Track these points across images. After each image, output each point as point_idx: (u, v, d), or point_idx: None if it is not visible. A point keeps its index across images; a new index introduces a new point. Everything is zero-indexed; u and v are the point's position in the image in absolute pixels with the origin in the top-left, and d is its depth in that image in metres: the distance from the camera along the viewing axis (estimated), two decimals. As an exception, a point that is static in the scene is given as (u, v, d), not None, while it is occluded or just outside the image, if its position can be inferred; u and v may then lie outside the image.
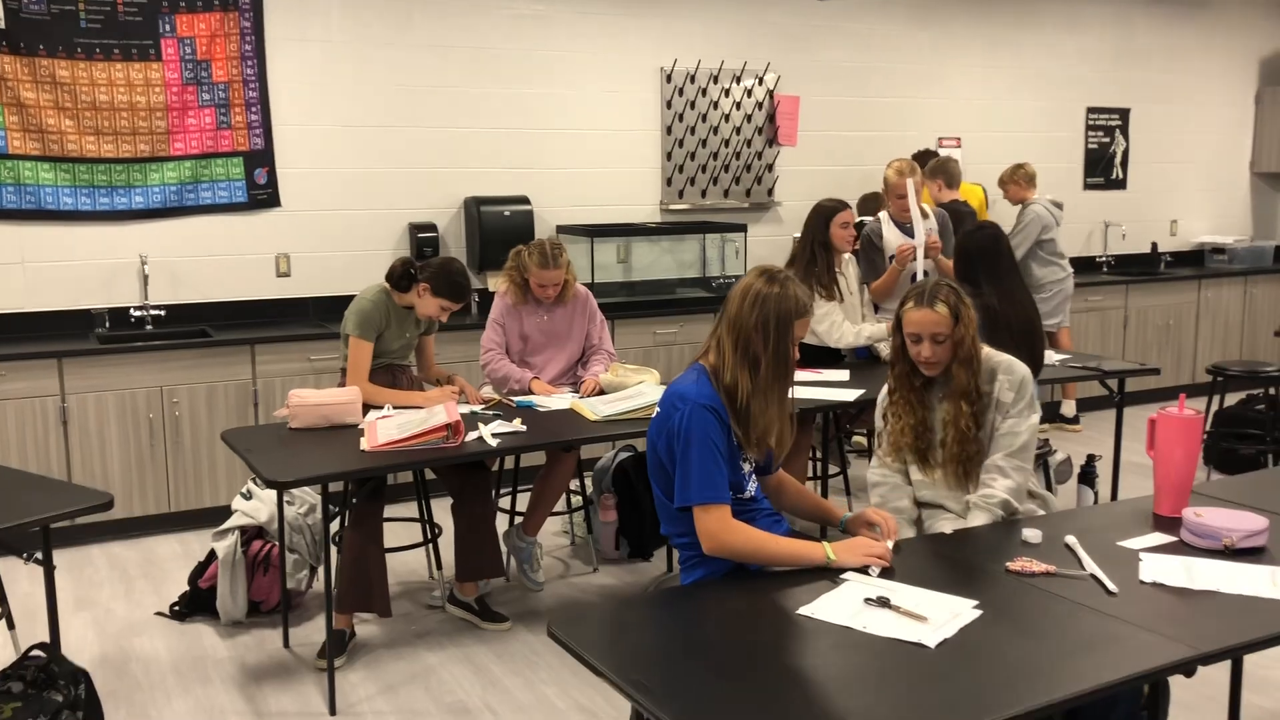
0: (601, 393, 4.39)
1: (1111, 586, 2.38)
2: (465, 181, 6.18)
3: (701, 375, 2.71)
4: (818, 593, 2.37)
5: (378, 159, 5.99)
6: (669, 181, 6.73)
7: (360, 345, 4.16)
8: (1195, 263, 8.61)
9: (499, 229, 6.06)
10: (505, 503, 4.89)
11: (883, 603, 2.29)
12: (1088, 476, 5.28)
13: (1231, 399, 6.34)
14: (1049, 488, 5.12)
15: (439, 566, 4.61)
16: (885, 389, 3.21)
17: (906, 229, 5.37)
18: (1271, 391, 6.03)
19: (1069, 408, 7.23)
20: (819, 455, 5.35)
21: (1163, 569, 2.49)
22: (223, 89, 5.54)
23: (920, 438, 3.11)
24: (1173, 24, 8.32)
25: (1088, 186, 8.19)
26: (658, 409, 2.73)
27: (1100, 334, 7.65)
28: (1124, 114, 8.28)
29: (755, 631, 2.21)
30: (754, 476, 2.81)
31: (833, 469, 5.49)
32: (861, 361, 5.20)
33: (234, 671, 3.83)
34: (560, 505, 5.02)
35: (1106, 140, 8.26)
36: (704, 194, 6.83)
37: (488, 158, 6.23)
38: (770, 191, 7.03)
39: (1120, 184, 8.37)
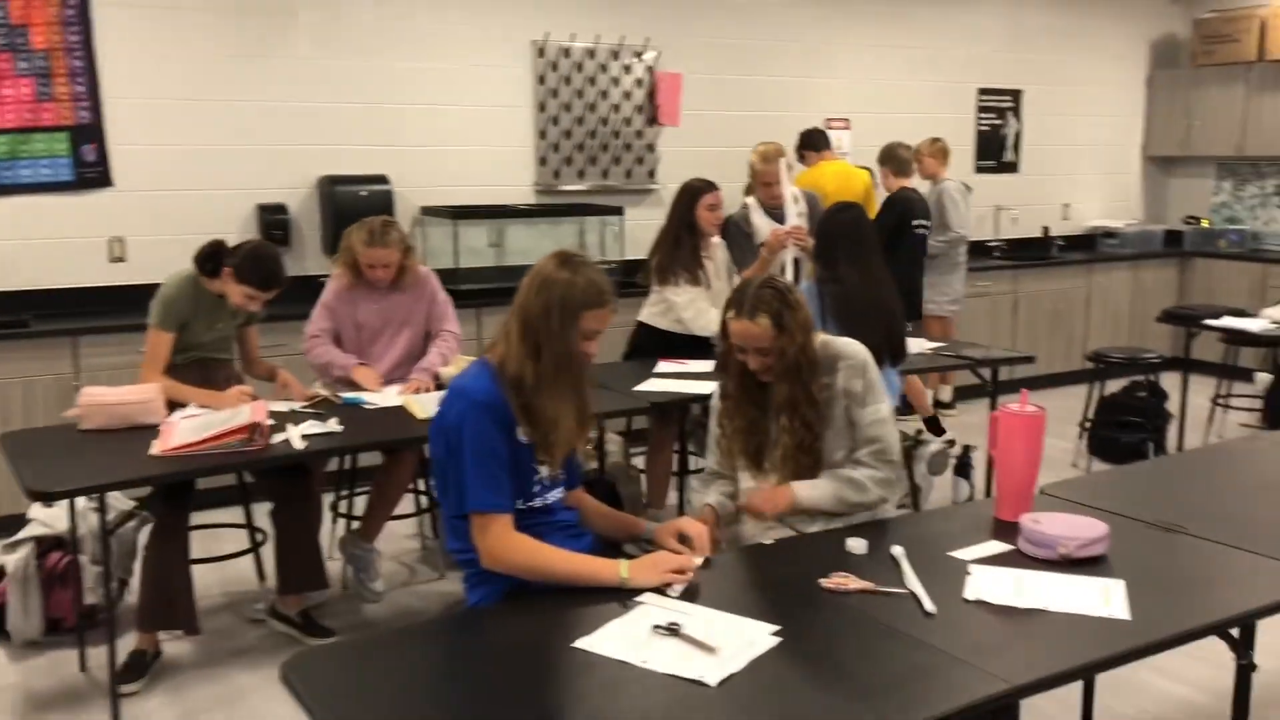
0: (441, 387, 4.07)
1: (929, 606, 2.14)
2: (319, 160, 5.80)
3: (484, 369, 2.43)
4: (606, 618, 2.10)
5: (222, 135, 5.58)
6: (543, 161, 6.41)
7: (159, 336, 3.79)
8: (1087, 247, 8.54)
9: (355, 210, 5.63)
10: (347, 505, 4.55)
11: (672, 630, 2.03)
12: (963, 468, 5.12)
13: (1115, 385, 6.23)
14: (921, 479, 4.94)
15: (263, 576, 4.26)
16: (717, 390, 2.96)
17: (776, 214, 5.14)
18: (1152, 378, 5.93)
19: (945, 393, 7.08)
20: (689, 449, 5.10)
21: (990, 584, 2.27)
22: (42, 57, 5.09)
23: (752, 440, 2.85)
24: (1065, 4, 8.21)
25: (979, 170, 8.05)
26: (438, 413, 2.44)
27: (990, 320, 7.52)
28: (1016, 95, 8.15)
29: (518, 669, 1.93)
30: (555, 486, 2.53)
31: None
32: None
33: (17, 699, 3.46)
34: (410, 506, 4.70)
35: (999, 122, 8.13)
36: (581, 175, 6.54)
37: (344, 134, 5.86)
38: (652, 173, 6.75)
39: (1012, 167, 8.25)
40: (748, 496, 2.76)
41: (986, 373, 4.85)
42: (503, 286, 6.06)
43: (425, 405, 3.74)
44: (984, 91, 8.01)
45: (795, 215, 5.05)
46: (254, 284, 3.86)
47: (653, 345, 4.86)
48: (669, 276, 4.76)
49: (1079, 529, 2.42)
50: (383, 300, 4.25)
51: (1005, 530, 2.57)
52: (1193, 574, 2.35)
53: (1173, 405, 6.11)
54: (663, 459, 4.81)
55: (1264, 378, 6.65)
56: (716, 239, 4.96)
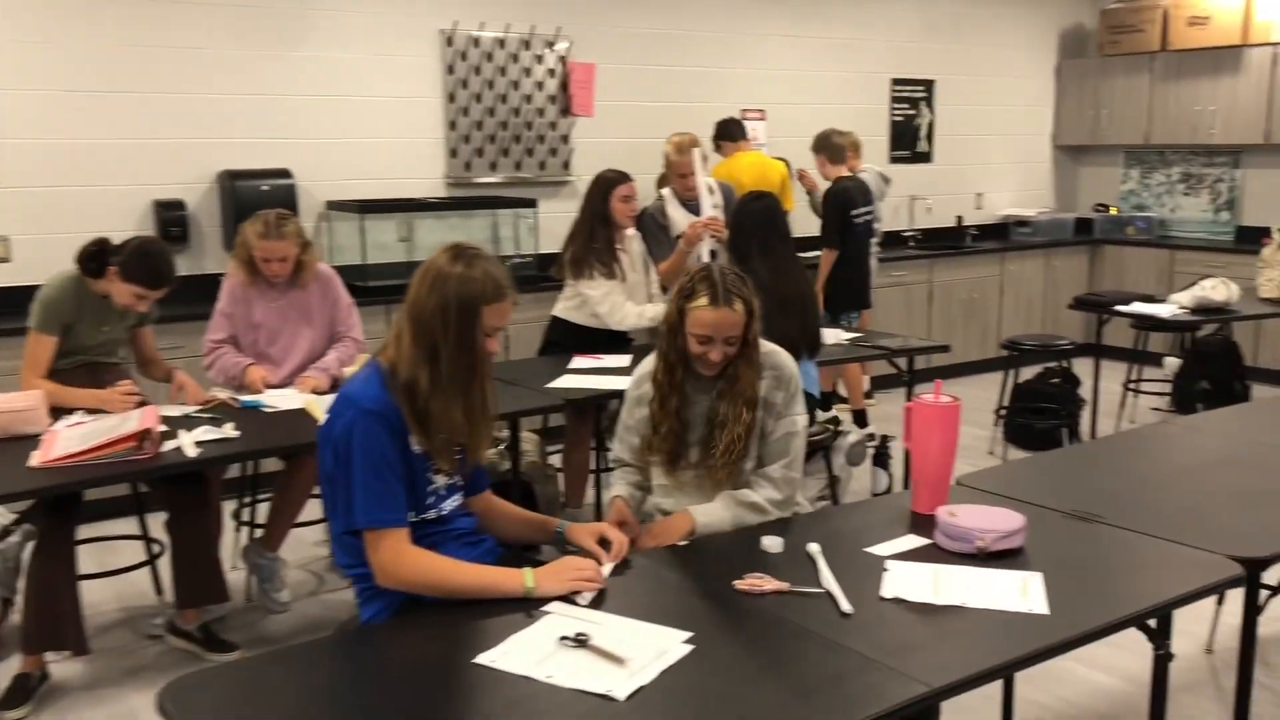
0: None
1: (845, 606, 2.08)
2: (219, 153, 5.58)
3: (374, 374, 2.30)
4: (509, 630, 2.00)
5: (115, 128, 5.33)
6: (454, 153, 6.26)
7: (40, 340, 3.59)
8: (999, 236, 8.62)
9: (257, 206, 5.40)
10: (249, 513, 4.37)
11: (580, 642, 1.93)
12: (881, 458, 5.10)
13: (1029, 373, 6.28)
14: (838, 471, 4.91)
15: (159, 591, 4.06)
16: (640, 374, 2.83)
17: (692, 206, 5.06)
18: (1065, 365, 5.98)
19: (864, 383, 7.08)
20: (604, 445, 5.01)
21: (907, 581, 2.21)
22: (-86, 46, 4.81)
23: (674, 438, 2.74)
24: (975, -5, 8.28)
25: (894, 160, 8.07)
26: (325, 421, 2.31)
27: (905, 310, 7.55)
28: (929, 85, 8.19)
29: (415, 689, 1.82)
30: (452, 494, 2.41)
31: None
32: (646, 345, 4.86)
33: (-111, 730, 3.24)
34: (317, 512, 4.52)
35: (912, 113, 8.16)
36: (494, 167, 6.39)
37: (245, 127, 5.64)
38: (566, 165, 6.63)
39: (926, 157, 8.29)
40: (648, 530, 2.65)
41: (903, 362, 4.83)
42: (409, 283, 5.91)
43: (326, 408, 3.58)
44: (898, 81, 8.03)
45: (710, 207, 4.98)
46: (142, 282, 3.67)
47: (568, 340, 4.76)
48: (583, 270, 4.66)
49: (996, 521, 2.38)
50: (281, 298, 4.08)
51: (922, 523, 2.52)
52: (1110, 564, 2.32)
53: (1085, 391, 6.18)
54: (579, 457, 4.71)
55: (1172, 362, 6.76)
56: (631, 231, 4.87)
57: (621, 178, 4.75)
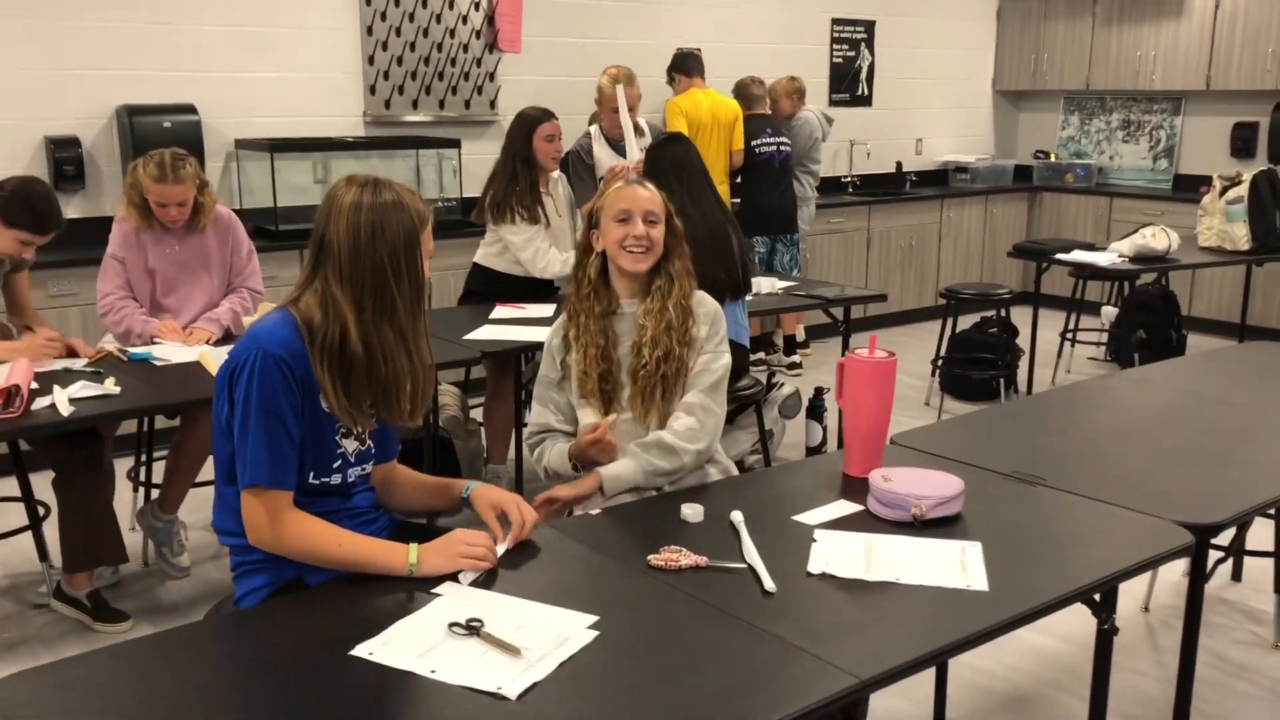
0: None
1: (769, 585, 1.89)
2: (117, 87, 5.20)
3: (287, 322, 2.02)
4: (394, 616, 1.79)
5: (1, 58, 4.95)
6: (372, 90, 5.93)
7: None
8: (939, 182, 8.48)
9: (159, 143, 5.05)
10: (145, 472, 4.10)
11: (472, 629, 1.73)
12: (816, 411, 4.95)
13: (967, 322, 6.16)
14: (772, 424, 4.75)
15: (44, 558, 3.77)
16: (564, 315, 2.62)
17: (619, 147, 4.82)
18: (1003, 314, 5.87)
19: (799, 332, 6.93)
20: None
21: (837, 553, 2.03)
22: None
23: (605, 377, 2.54)
24: (917, -67, 8.04)
25: (833, 103, 7.85)
26: (228, 357, 2.04)
27: (843, 256, 7.39)
28: (869, 26, 7.97)
29: (279, 686, 1.60)
30: (361, 461, 2.16)
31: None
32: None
33: None
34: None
35: (852, 54, 7.94)
36: (415, 105, 6.07)
37: (145, 58, 5.27)
38: (492, 104, 6.33)
39: (866, 100, 8.09)
40: (549, 492, 2.45)
41: (839, 312, 4.66)
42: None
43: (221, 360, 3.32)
44: (837, 22, 7.79)
45: (638, 149, 4.73)
46: (29, 228, 3.39)
47: (489, 289, 4.52)
48: (505, 214, 4.41)
49: (932, 486, 2.21)
50: (178, 243, 3.79)
51: (855, 488, 2.35)
52: (1052, 532, 2.17)
53: (1023, 341, 6.07)
54: (502, 411, 4.49)
55: (1110, 311, 6.69)
56: (556, 173, 4.62)
57: (544, 115, 4.49)
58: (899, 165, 8.22)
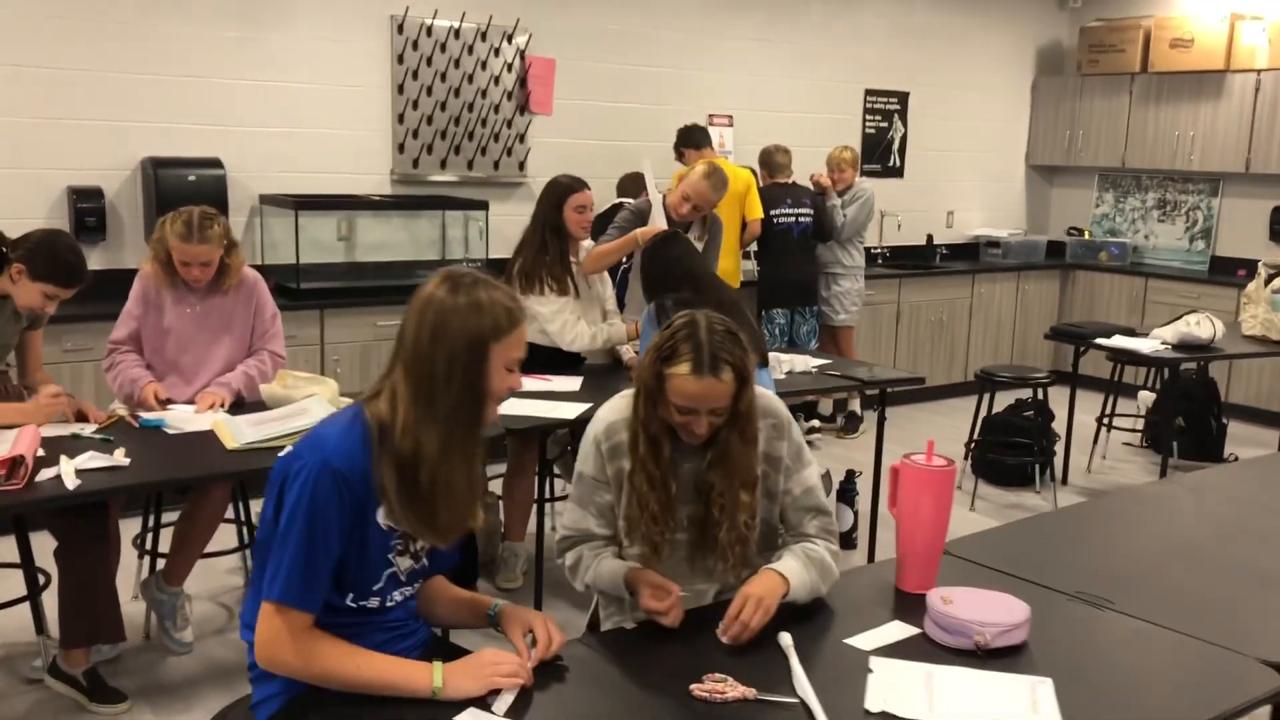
0: (264, 407, 3.52)
1: (818, 726, 1.73)
2: (143, 138, 5.14)
3: (357, 425, 1.86)
4: (414, 747, 1.63)
5: (28, 106, 4.88)
6: (401, 148, 5.85)
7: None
8: (970, 256, 8.35)
9: (183, 197, 5.00)
10: (152, 540, 3.94)
11: (499, 769, 1.56)
12: (847, 495, 4.78)
13: (1000, 403, 5.99)
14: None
15: (40, 630, 3.60)
16: (599, 444, 2.28)
17: (674, 225, 4.68)
18: (1040, 397, 5.70)
19: (822, 405, 6.79)
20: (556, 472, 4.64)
21: (897, 686, 1.86)
22: None
23: (657, 520, 2.22)
24: (952, 4, 7.98)
25: (865, 173, 7.73)
26: (286, 454, 1.88)
27: (872, 330, 7.24)
28: (903, 98, 7.89)
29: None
30: (413, 580, 1.99)
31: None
32: (600, 366, 4.50)
33: None
34: (231, 539, 4.11)
35: (885, 125, 7.86)
36: (444, 164, 5.99)
37: (172, 111, 5.20)
38: (521, 165, 6.24)
39: (898, 172, 8.00)
40: (741, 600, 2.07)
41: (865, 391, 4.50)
42: (352, 285, 5.51)
43: (238, 431, 3.19)
44: (871, 93, 7.72)
45: (695, 238, 4.60)
46: (56, 281, 3.30)
47: (514, 358, 4.38)
48: (534, 284, 4.29)
49: (996, 611, 2.04)
50: (199, 302, 3.68)
51: (910, 606, 2.18)
52: (1125, 666, 1.99)
53: (1058, 424, 5.90)
54: (523, 485, 4.33)
55: (1147, 396, 6.51)
56: (587, 242, 4.51)
57: (576, 185, 4.38)
58: (929, 238, 8.11)
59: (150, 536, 3.89)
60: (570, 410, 3.74)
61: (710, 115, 6.88)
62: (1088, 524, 2.82)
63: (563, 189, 4.35)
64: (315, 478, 1.78)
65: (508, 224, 6.06)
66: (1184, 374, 6.18)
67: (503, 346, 1.88)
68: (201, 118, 5.27)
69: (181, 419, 3.36)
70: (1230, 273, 7.66)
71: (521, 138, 6.20)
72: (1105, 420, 6.22)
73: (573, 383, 4.15)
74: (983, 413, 5.69)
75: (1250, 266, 7.58)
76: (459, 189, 6.03)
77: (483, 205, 5.80)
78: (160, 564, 3.71)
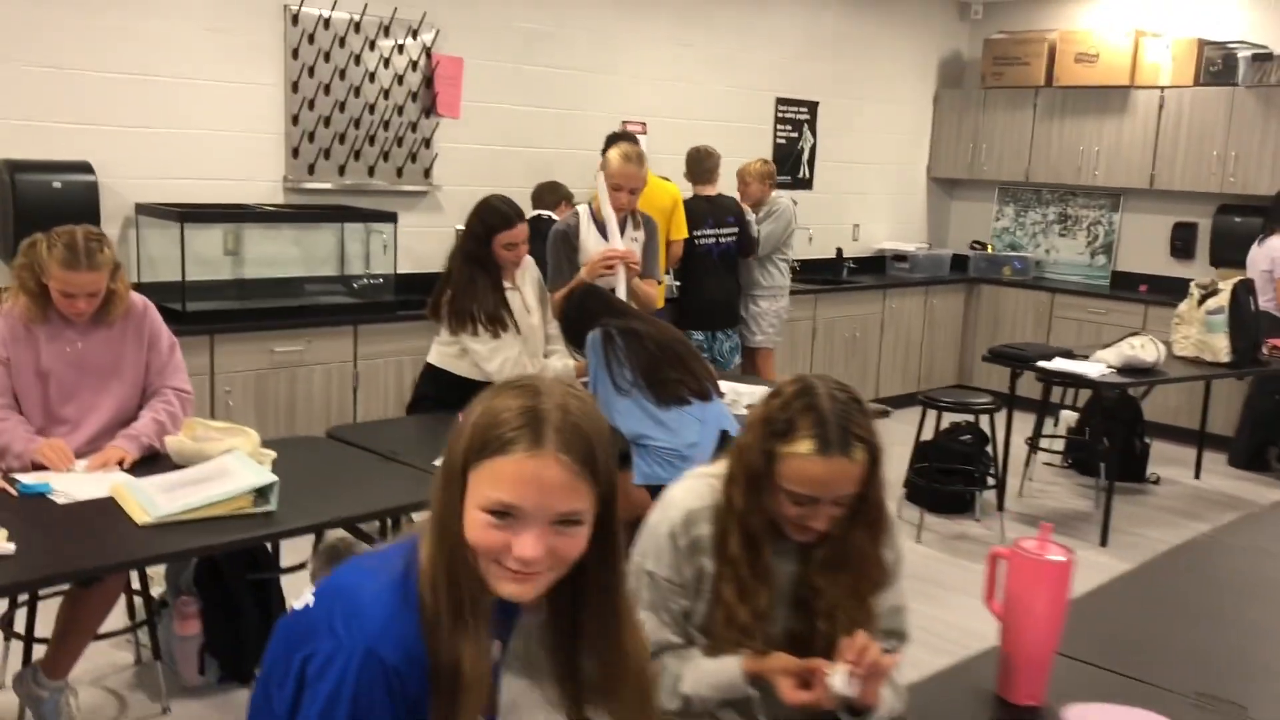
0: (175, 468, 2.95)
1: None
2: (-3, 138, 4.44)
3: (405, 592, 1.33)
4: None
5: None
6: (295, 153, 5.25)
7: None
8: (876, 270, 8.18)
9: (46, 206, 4.36)
10: (26, 618, 3.30)
11: None
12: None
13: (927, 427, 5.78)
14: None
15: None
16: (673, 539, 1.85)
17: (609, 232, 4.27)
18: (977, 422, 5.50)
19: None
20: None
21: None
22: None
23: (749, 632, 1.81)
24: (861, 11, 7.79)
25: (776, 185, 7.46)
26: (305, 611, 1.35)
27: (790, 347, 6.97)
28: (813, 108, 7.66)
29: None
30: None
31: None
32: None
33: None
34: (121, 619, 3.48)
35: (795, 135, 7.61)
36: (343, 171, 5.42)
37: (32, 108, 4.51)
38: (427, 172, 5.72)
39: (807, 183, 7.76)
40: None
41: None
42: (243, 307, 4.90)
43: (146, 500, 2.62)
44: (782, 102, 7.46)
45: (629, 238, 4.19)
46: None
47: (446, 394, 3.88)
48: (465, 323, 3.78)
49: (1145, 735, 1.71)
50: (80, 339, 3.08)
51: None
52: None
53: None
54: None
55: (1069, 416, 6.41)
56: (526, 259, 4.03)
57: (505, 221, 3.78)
58: (839, 251, 7.90)
59: (25, 614, 3.24)
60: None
61: (624, 122, 6.48)
62: (1161, 594, 2.53)
63: (490, 224, 3.80)
64: (358, 675, 1.27)
65: (411, 237, 5.55)
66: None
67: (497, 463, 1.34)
68: (66, 115, 4.59)
69: (71, 483, 2.77)
70: (1132, 288, 7.69)
71: (427, 143, 5.68)
72: (1031, 441, 6.08)
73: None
74: (913, 436, 5.46)
75: (1151, 282, 7.66)
76: (359, 198, 5.47)
77: (390, 217, 5.26)
78: (37, 651, 3.10)
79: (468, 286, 3.79)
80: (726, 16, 6.96)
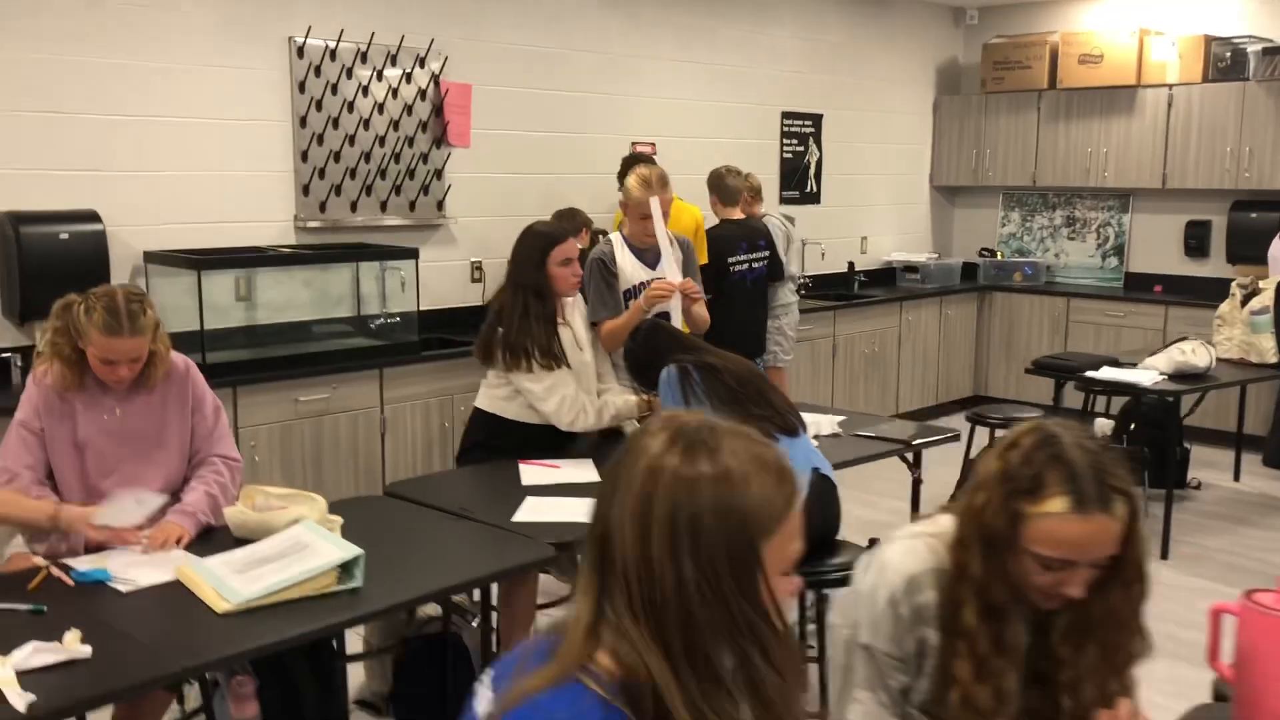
0: (241, 543, 2.70)
1: None
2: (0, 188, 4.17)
3: (590, 704, 1.14)
4: None
5: None
6: (305, 190, 5.01)
7: None
8: (886, 282, 8.03)
9: (52, 259, 4.11)
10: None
11: None
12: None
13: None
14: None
15: None
16: (904, 584, 1.67)
17: (646, 257, 4.07)
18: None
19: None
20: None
21: None
22: None
23: (999, 708, 1.62)
24: (859, 21, 7.65)
25: (784, 200, 7.31)
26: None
27: (811, 367, 6.79)
28: (817, 120, 7.50)
29: None
30: None
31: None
32: (596, 440, 3.82)
33: None
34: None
35: (801, 149, 7.45)
36: (354, 207, 5.17)
37: (35, 154, 4.24)
38: (440, 204, 5.49)
39: (814, 198, 7.59)
40: None
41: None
42: (263, 356, 4.63)
43: (221, 583, 2.38)
44: (787, 115, 7.29)
45: (674, 262, 3.99)
46: None
47: (500, 441, 3.67)
48: (519, 360, 3.57)
49: None
50: (119, 406, 2.83)
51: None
52: None
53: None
54: (524, 594, 3.59)
55: (1104, 424, 6.26)
56: (573, 298, 3.83)
57: (559, 233, 3.70)
58: (850, 265, 7.74)
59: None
60: (585, 509, 3.06)
61: (633, 143, 6.28)
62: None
63: (545, 240, 3.65)
64: None
65: (431, 271, 5.32)
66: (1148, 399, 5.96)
67: (776, 540, 1.20)
68: (67, 161, 4.32)
69: (129, 567, 2.52)
70: (1147, 289, 7.59)
71: (439, 174, 5.45)
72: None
73: (584, 468, 3.47)
74: (959, 456, 5.29)
75: (1166, 282, 7.55)
76: (371, 234, 5.23)
77: (412, 253, 5.01)
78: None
79: (521, 321, 3.58)
80: (729, 33, 6.79)
